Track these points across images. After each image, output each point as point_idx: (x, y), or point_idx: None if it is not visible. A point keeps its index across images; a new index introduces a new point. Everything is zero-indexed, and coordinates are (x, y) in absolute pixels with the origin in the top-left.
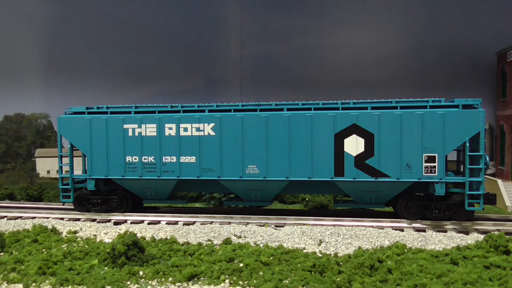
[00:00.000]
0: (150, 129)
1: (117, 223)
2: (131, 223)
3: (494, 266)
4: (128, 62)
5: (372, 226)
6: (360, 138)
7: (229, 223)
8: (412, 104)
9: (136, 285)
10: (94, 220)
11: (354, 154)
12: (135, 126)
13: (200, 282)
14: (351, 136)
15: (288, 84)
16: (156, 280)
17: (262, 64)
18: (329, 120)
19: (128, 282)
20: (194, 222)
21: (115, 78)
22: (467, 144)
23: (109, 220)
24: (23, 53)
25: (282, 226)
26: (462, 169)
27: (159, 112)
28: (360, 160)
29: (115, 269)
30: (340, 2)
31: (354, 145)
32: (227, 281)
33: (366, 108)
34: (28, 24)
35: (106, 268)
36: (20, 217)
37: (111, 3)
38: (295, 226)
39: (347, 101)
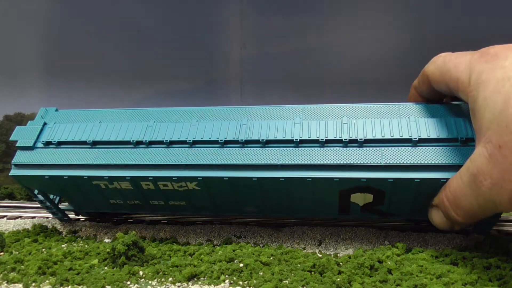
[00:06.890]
0: (125, 185)
1: (117, 223)
2: (131, 223)
3: (494, 266)
4: (128, 61)
5: (372, 227)
6: (368, 194)
7: (229, 223)
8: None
9: (136, 285)
10: (94, 220)
11: (361, 204)
12: (106, 182)
13: (200, 282)
14: (358, 193)
15: (288, 84)
16: (156, 280)
17: (262, 64)
18: (333, 184)
19: (128, 282)
20: (194, 222)
21: (115, 77)
22: None
23: (109, 220)
24: (23, 52)
25: (282, 227)
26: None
27: (130, 166)
28: (367, 206)
29: (115, 269)
30: (341, 2)
31: (361, 199)
32: (227, 281)
33: (377, 167)
34: (28, 23)
35: (106, 268)
36: (20, 217)
37: (111, 3)
38: (295, 226)
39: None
